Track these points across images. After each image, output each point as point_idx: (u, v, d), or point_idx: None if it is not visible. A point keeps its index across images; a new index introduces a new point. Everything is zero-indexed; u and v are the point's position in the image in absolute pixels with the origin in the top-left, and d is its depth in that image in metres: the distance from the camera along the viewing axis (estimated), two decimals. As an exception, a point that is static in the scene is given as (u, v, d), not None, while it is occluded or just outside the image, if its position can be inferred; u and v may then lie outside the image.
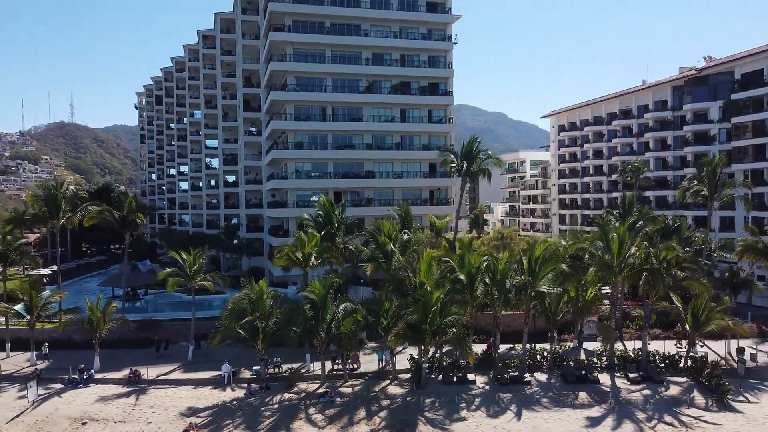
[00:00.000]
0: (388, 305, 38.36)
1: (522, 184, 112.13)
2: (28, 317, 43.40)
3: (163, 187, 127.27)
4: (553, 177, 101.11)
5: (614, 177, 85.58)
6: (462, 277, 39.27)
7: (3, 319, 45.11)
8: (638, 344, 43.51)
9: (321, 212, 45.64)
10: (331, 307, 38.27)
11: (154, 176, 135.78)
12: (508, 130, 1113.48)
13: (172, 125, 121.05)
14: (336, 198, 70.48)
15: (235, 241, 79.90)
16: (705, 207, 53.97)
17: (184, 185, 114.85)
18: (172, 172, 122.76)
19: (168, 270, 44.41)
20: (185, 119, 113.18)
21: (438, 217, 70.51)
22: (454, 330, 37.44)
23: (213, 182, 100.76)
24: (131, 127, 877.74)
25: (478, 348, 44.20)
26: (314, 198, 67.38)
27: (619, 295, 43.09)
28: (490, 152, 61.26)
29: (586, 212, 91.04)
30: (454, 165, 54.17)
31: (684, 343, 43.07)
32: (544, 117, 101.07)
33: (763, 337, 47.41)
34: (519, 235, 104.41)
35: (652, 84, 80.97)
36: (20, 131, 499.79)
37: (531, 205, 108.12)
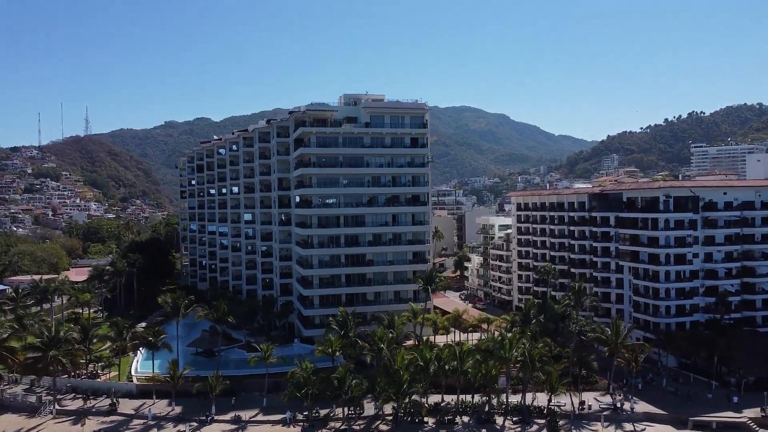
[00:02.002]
0: (380, 380, 71.27)
1: (492, 244, 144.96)
2: (172, 381, 76.57)
3: (204, 239, 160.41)
4: (514, 242, 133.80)
5: (548, 257, 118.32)
6: (421, 363, 72.31)
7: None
8: (535, 396, 76.29)
9: (341, 318, 78.64)
10: (348, 380, 71.09)
11: (194, 226, 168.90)
12: (510, 131, 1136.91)
13: (213, 191, 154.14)
14: (347, 279, 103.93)
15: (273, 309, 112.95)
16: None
17: (224, 241, 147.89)
18: (212, 228, 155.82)
19: (253, 355, 77.63)
20: (224, 190, 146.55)
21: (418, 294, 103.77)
22: (420, 385, 70.80)
23: (250, 247, 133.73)
24: (137, 131, 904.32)
25: (435, 398, 77.09)
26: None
27: (514, 367, 75.72)
28: (443, 276, 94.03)
29: (536, 276, 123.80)
30: (421, 285, 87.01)
31: (552, 396, 75.76)
32: (509, 196, 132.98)
33: (607, 390, 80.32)
34: (481, 301, 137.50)
35: (576, 190, 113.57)
36: (39, 145, 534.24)
37: (498, 262, 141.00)
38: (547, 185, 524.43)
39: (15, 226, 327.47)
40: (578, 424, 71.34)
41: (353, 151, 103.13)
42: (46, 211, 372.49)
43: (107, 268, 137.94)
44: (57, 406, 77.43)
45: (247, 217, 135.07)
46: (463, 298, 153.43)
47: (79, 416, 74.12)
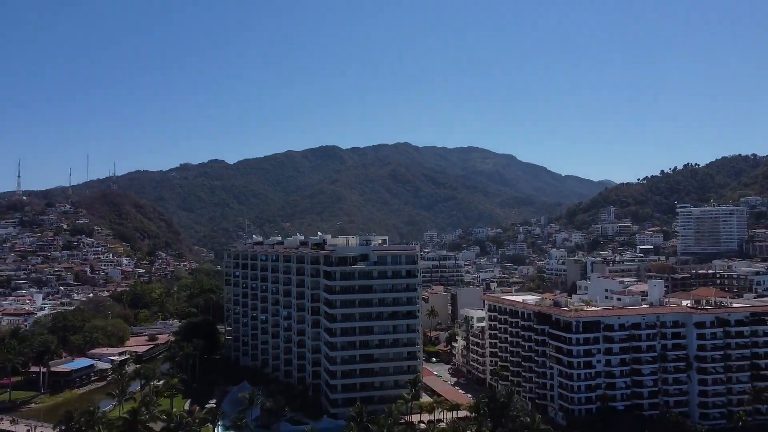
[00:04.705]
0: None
1: (472, 332, 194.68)
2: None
3: (246, 322, 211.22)
4: (487, 334, 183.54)
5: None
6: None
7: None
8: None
9: (356, 412, 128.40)
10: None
11: (238, 309, 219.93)
12: (517, 172, 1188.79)
13: (255, 284, 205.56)
14: (360, 372, 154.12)
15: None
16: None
17: (263, 326, 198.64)
18: (253, 314, 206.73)
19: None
20: (265, 286, 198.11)
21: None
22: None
23: (286, 335, 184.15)
24: (153, 173, 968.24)
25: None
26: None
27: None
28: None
29: (503, 363, 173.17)
30: (410, 386, 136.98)
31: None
32: (484, 299, 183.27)
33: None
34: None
35: (525, 305, 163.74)
36: (69, 186, 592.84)
37: (476, 347, 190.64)
38: (547, 236, 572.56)
39: (60, 285, 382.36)
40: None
41: (365, 282, 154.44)
42: (84, 267, 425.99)
43: (179, 352, 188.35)
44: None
45: (284, 313, 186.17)
46: (450, 372, 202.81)
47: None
